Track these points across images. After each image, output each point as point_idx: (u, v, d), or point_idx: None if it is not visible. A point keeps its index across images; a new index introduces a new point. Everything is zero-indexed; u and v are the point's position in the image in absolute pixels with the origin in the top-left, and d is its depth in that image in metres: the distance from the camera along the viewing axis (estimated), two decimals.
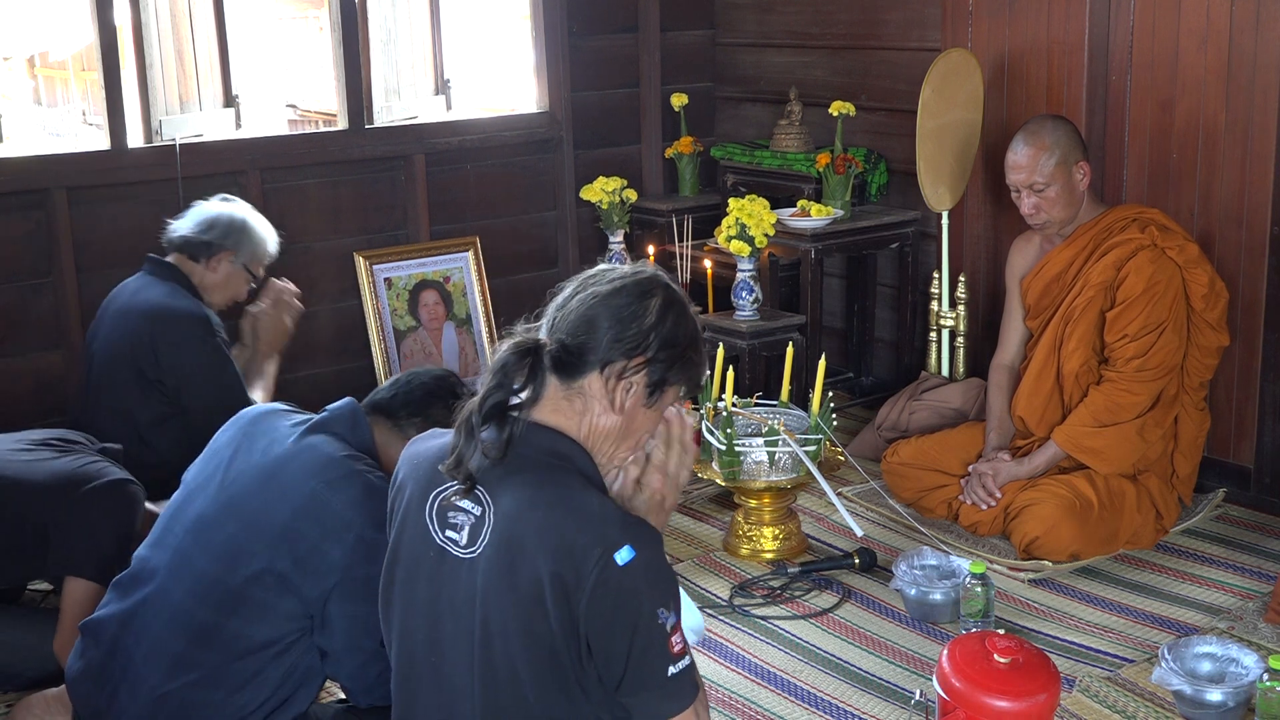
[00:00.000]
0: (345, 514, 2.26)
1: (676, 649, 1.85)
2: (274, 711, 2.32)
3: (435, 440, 2.03)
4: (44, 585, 3.17)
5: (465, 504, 1.91)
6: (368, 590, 2.18)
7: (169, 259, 3.53)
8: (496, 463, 1.88)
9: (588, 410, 1.93)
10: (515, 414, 1.91)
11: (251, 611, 2.27)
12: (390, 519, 2.05)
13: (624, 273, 1.98)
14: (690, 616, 2.54)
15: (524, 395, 1.92)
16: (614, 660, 1.84)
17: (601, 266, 2.02)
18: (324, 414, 2.43)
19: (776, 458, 3.52)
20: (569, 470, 1.90)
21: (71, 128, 10.40)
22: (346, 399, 2.48)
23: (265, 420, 2.46)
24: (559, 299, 1.98)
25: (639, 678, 1.84)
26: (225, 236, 3.54)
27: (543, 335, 1.95)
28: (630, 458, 2.02)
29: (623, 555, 1.79)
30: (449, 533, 1.92)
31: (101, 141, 4.28)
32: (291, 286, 3.89)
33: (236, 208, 3.63)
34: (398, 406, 2.48)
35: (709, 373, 2.02)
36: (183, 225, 3.55)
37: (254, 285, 3.68)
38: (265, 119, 8.46)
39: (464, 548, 1.90)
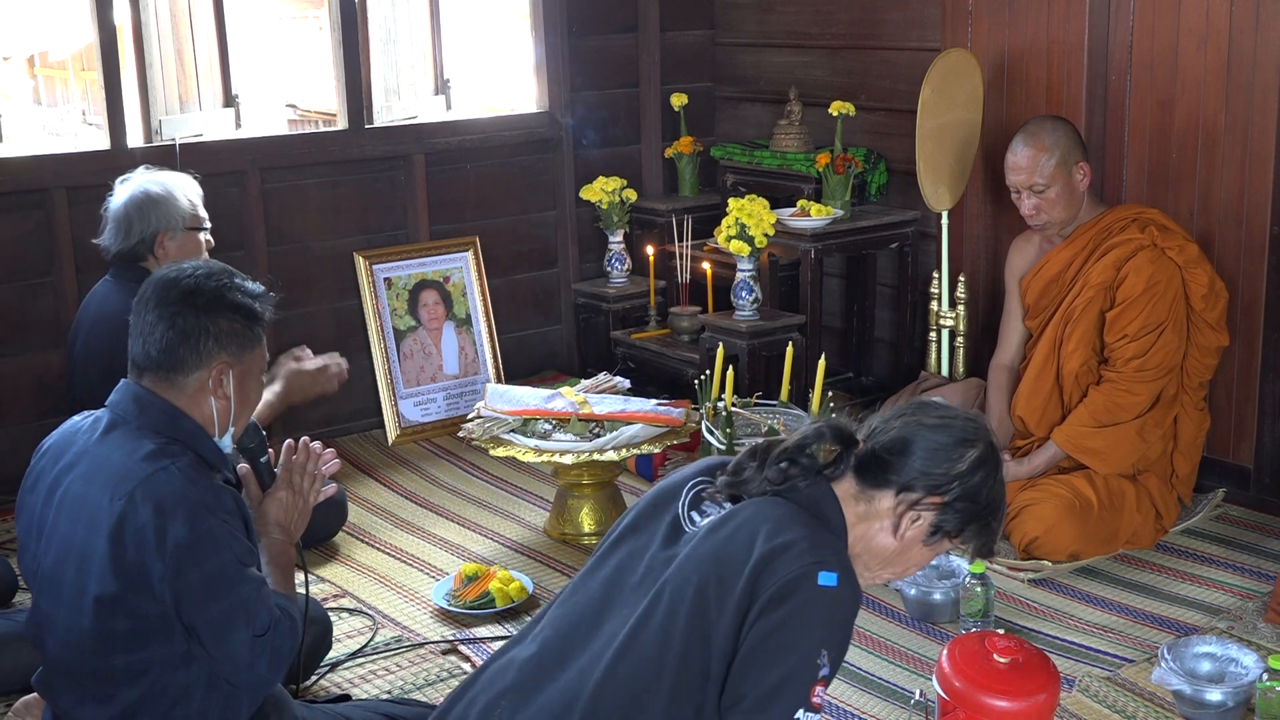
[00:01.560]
0: (153, 524, 2.06)
1: (816, 700, 1.82)
2: (225, 713, 2.20)
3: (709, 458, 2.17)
4: None
5: (724, 505, 1.99)
6: (212, 588, 2.08)
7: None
8: (771, 489, 1.96)
9: (866, 520, 1.98)
10: (809, 469, 1.99)
11: (126, 642, 2.11)
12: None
13: (955, 414, 2.03)
14: None
15: (824, 470, 1.99)
16: (751, 673, 1.81)
17: (939, 401, 2.11)
18: (109, 410, 2.22)
19: None
20: (822, 524, 1.95)
21: (71, 128, 10.38)
22: (121, 380, 2.24)
23: (60, 443, 2.26)
24: (887, 414, 2.05)
25: (766, 704, 1.80)
26: (145, 223, 3.37)
27: (860, 435, 2.02)
28: (889, 578, 2.08)
29: (827, 578, 1.81)
30: (694, 514, 1.99)
31: (101, 141, 4.28)
32: (331, 365, 3.74)
33: (135, 189, 3.42)
34: (157, 357, 2.18)
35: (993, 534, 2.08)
36: (107, 240, 3.41)
37: (207, 233, 3.49)
38: (265, 119, 8.45)
39: (696, 525, 1.97)
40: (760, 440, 2.05)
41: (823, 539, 1.90)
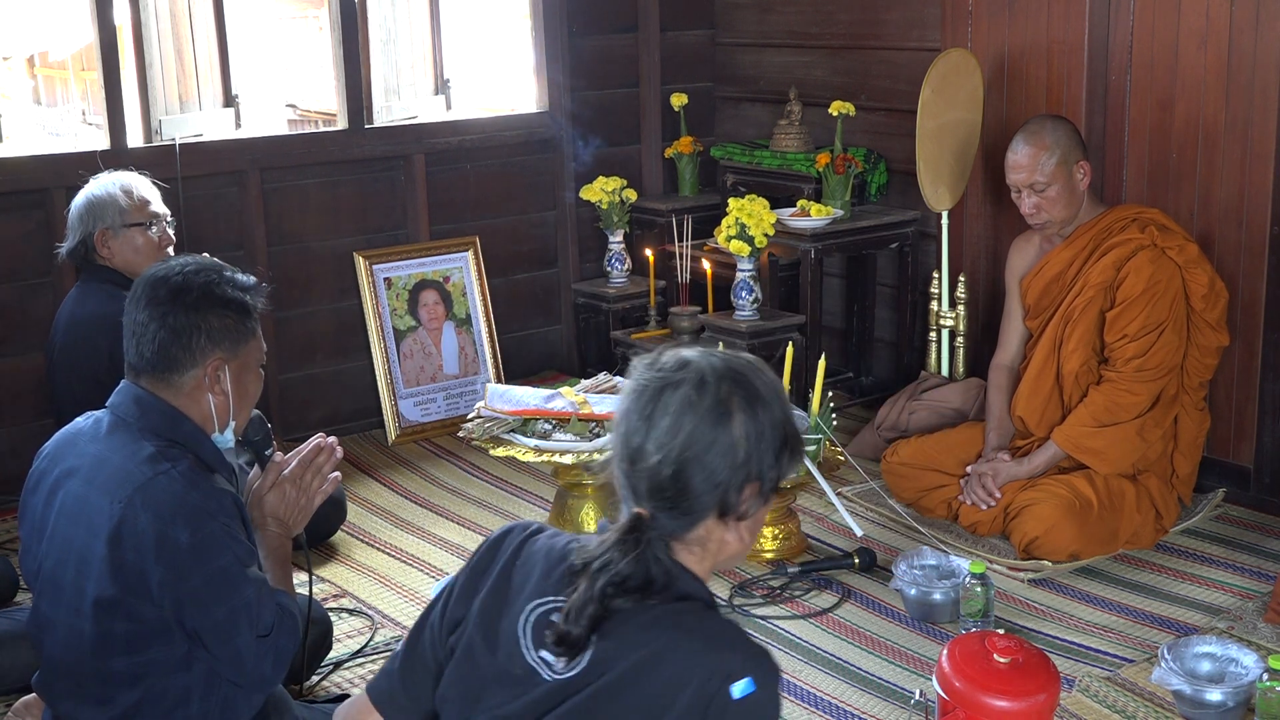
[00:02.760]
0: (153, 529, 2.05)
1: None
2: (225, 715, 2.20)
3: (555, 540, 1.82)
4: None
5: (586, 647, 1.68)
6: (216, 591, 2.07)
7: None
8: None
9: (706, 551, 1.76)
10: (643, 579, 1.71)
11: (125, 645, 2.11)
12: (474, 582, 1.79)
13: (686, 400, 1.70)
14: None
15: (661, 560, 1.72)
16: None
17: (654, 377, 1.75)
18: (111, 411, 2.22)
19: None
20: (692, 604, 1.73)
21: (71, 127, 10.39)
22: (121, 382, 2.24)
23: (62, 444, 2.26)
24: (632, 441, 1.76)
25: None
26: (84, 224, 3.37)
27: (636, 505, 1.74)
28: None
29: (742, 688, 1.62)
30: (543, 653, 1.69)
31: (101, 141, 4.28)
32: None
33: (80, 195, 3.43)
34: (151, 358, 2.17)
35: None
36: (63, 248, 3.45)
37: (160, 228, 3.44)
38: (265, 119, 8.46)
39: (557, 671, 1.67)
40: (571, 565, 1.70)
41: (710, 637, 1.67)
